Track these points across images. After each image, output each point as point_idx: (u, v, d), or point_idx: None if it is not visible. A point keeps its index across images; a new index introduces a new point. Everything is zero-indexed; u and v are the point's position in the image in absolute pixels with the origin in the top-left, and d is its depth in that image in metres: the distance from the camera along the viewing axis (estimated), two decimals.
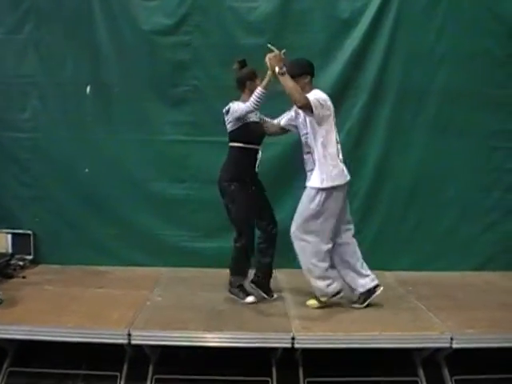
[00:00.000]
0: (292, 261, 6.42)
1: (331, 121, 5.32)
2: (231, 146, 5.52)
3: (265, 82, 5.19)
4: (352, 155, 6.57)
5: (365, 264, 5.50)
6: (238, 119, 5.38)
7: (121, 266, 6.60)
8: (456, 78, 6.60)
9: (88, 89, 6.54)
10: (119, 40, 6.58)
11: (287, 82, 5.12)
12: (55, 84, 6.68)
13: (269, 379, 4.85)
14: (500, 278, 6.61)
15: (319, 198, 5.29)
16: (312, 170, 5.39)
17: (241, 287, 5.63)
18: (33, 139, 6.76)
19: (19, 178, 6.81)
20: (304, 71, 5.41)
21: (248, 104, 5.23)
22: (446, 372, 4.94)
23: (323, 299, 5.45)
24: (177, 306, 5.41)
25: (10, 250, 6.71)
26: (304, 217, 5.37)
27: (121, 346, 4.78)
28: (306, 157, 5.48)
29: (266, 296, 5.65)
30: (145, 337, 4.72)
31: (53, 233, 6.80)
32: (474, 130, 6.67)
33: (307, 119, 5.33)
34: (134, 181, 6.71)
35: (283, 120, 5.64)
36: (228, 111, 5.42)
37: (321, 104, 5.17)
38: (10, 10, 6.65)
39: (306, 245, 5.39)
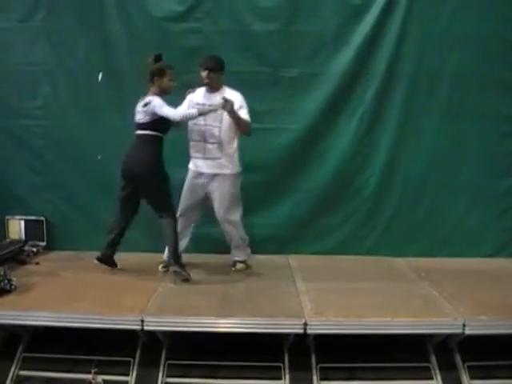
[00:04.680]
0: (303, 247, 6.46)
1: None
2: (145, 135, 5.67)
3: (203, 111, 5.66)
4: (364, 141, 6.62)
5: None
6: (155, 114, 5.57)
7: (134, 252, 6.61)
8: (469, 62, 6.55)
9: (100, 76, 6.55)
10: (130, 27, 6.56)
11: (242, 119, 5.78)
12: (66, 71, 6.68)
13: (281, 365, 4.84)
14: None
15: (238, 181, 6.06)
16: (218, 158, 5.94)
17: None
18: (44, 126, 6.78)
19: (31, 165, 6.83)
20: (223, 67, 5.91)
21: (174, 115, 5.58)
22: (458, 358, 4.92)
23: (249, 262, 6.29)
24: (189, 291, 5.42)
25: (23, 237, 6.76)
26: (230, 200, 6.04)
27: (134, 331, 4.81)
28: (210, 146, 5.92)
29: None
30: (158, 323, 4.74)
31: (66, 219, 6.84)
32: (486, 115, 6.63)
33: (224, 116, 5.77)
34: None
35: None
36: (147, 104, 5.60)
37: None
38: None
39: (237, 223, 6.13)
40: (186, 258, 6.22)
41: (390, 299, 5.28)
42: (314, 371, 4.81)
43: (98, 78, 6.53)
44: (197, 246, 6.58)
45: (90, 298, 5.17)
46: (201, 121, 5.84)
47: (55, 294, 5.27)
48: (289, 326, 4.75)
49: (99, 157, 6.66)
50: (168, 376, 4.83)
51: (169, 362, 4.87)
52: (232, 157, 5.97)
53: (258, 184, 6.55)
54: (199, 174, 6.02)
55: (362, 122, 6.59)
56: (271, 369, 4.84)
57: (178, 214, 5.98)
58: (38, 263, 6.27)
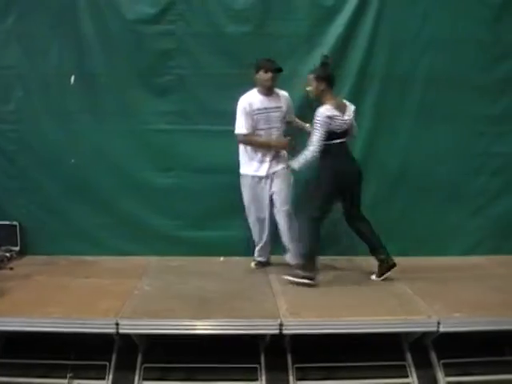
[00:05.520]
0: (278, 248, 6.45)
1: None
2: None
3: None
4: None
5: None
6: None
7: (108, 255, 6.58)
8: (441, 63, 6.59)
9: (72, 79, 6.52)
10: (103, 29, 6.51)
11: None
12: (39, 75, 6.60)
13: (257, 366, 4.85)
14: (487, 262, 6.64)
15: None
16: (278, 157, 6.12)
17: None
18: (18, 131, 6.70)
19: (5, 169, 6.75)
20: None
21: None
22: (433, 356, 4.96)
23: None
24: (165, 294, 5.41)
25: None
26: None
27: (109, 335, 4.78)
28: None
29: None
30: (133, 326, 4.72)
31: (39, 223, 6.76)
32: (459, 115, 6.66)
33: (282, 115, 6.09)
34: (120, 170, 6.68)
35: None
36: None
37: None
38: None
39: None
40: (161, 260, 6.29)
41: (365, 298, 5.31)
42: (291, 371, 4.83)
43: (70, 81, 6.51)
44: (175, 248, 6.62)
45: (65, 302, 5.14)
46: (264, 125, 5.95)
47: (29, 299, 5.22)
48: (264, 326, 4.74)
49: (72, 160, 6.63)
50: (144, 379, 4.81)
51: (145, 365, 4.85)
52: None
53: (233, 185, 6.54)
54: (261, 178, 6.09)
55: None
56: (248, 370, 4.84)
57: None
58: (11, 268, 6.20)
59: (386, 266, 5.81)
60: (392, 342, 5.04)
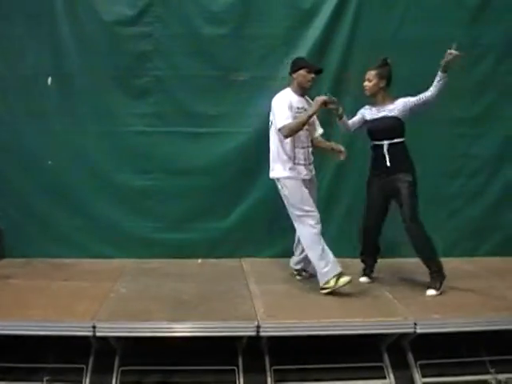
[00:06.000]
0: (256, 250, 6.45)
1: None
2: None
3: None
4: None
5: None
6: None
7: (86, 258, 6.55)
8: (419, 65, 6.59)
9: (49, 80, 6.48)
10: (81, 30, 6.49)
11: None
12: (16, 76, 6.56)
13: (235, 368, 4.85)
14: (464, 263, 6.70)
15: None
16: (312, 162, 5.84)
17: None
18: None
19: None
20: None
21: None
22: (410, 357, 4.99)
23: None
24: (141, 297, 5.39)
25: None
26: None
27: (86, 338, 4.75)
28: (310, 150, 5.82)
29: None
30: (110, 329, 4.69)
31: (17, 226, 6.70)
32: (438, 118, 6.67)
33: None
34: (98, 172, 6.66)
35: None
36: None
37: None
38: None
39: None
40: (138, 263, 6.38)
41: (342, 301, 5.32)
42: (269, 373, 4.83)
43: (47, 83, 6.47)
44: (152, 251, 6.60)
45: (42, 305, 5.10)
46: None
47: (6, 302, 5.19)
48: (242, 328, 4.73)
49: (49, 162, 6.59)
50: (122, 382, 4.78)
51: (122, 368, 4.83)
52: None
53: (211, 188, 6.55)
54: (304, 182, 5.68)
55: None
56: (225, 372, 4.84)
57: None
58: None
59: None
60: (369, 344, 5.05)
